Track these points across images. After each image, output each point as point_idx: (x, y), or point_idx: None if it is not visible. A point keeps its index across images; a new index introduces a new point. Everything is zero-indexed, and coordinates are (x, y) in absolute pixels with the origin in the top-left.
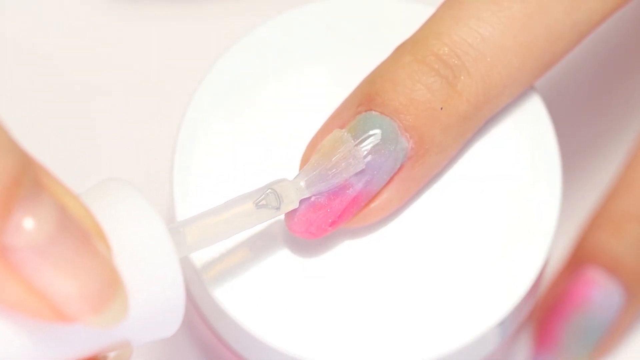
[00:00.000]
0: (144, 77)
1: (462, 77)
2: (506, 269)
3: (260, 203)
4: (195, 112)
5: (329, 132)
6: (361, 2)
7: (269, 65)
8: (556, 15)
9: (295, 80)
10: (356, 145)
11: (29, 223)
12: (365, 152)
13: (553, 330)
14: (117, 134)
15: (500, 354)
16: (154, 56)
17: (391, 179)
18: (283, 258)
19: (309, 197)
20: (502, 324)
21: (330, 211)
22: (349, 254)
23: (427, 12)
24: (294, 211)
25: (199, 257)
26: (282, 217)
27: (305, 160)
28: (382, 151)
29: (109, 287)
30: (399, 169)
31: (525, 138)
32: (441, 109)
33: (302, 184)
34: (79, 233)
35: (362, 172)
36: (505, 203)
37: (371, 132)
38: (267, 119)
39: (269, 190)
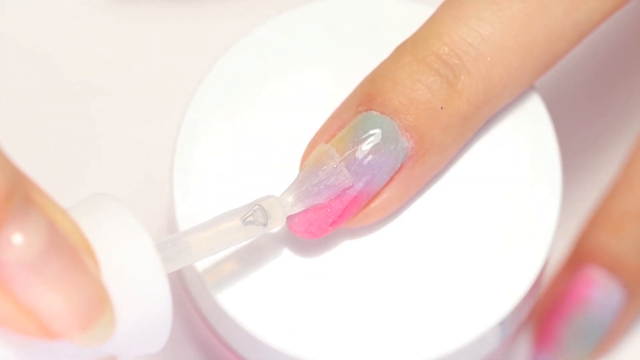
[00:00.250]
0: (144, 77)
1: (462, 77)
2: (506, 269)
3: (248, 219)
4: (195, 112)
5: (329, 132)
6: (361, 2)
7: (269, 65)
8: (556, 15)
9: (295, 80)
10: (354, 147)
11: (18, 239)
12: (353, 163)
13: (553, 330)
14: (117, 134)
15: (500, 354)
16: (154, 56)
17: (391, 178)
18: (283, 258)
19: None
20: (502, 324)
21: (331, 211)
22: (349, 254)
23: (427, 12)
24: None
25: None
26: None
27: (305, 161)
28: (382, 151)
29: (97, 305)
30: (399, 168)
31: (525, 138)
32: (441, 108)
33: (289, 200)
34: (68, 250)
35: (362, 171)
36: (505, 203)
37: (371, 132)
38: (267, 119)
39: (256, 206)
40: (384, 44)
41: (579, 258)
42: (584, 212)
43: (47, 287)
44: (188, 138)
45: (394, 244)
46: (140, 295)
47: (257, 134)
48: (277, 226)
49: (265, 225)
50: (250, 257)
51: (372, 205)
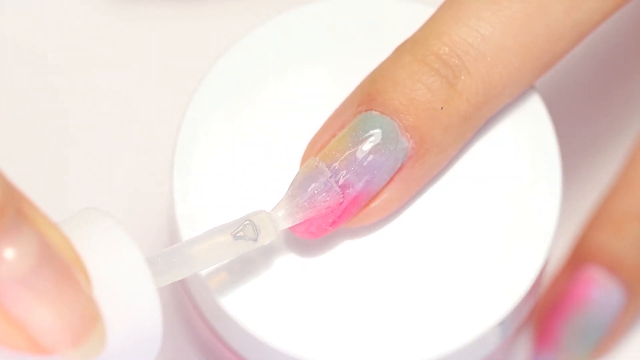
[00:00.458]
0: (144, 77)
1: (462, 77)
2: (506, 269)
3: (238, 235)
4: (195, 112)
5: (329, 131)
6: (361, 2)
7: (269, 65)
8: (556, 15)
9: (295, 80)
10: (354, 147)
11: (10, 254)
12: (353, 163)
13: (553, 329)
14: (117, 133)
15: (500, 354)
16: (154, 56)
17: (391, 178)
18: (283, 258)
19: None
20: (502, 324)
21: (331, 211)
22: (349, 254)
23: (427, 12)
24: None
25: None
26: None
27: (305, 161)
28: (382, 151)
29: (88, 320)
30: (400, 168)
31: (525, 138)
32: (441, 108)
33: (280, 215)
34: (60, 265)
35: (362, 171)
36: (505, 203)
37: (371, 132)
38: (267, 119)
39: (247, 221)
40: (384, 44)
41: (579, 258)
42: (584, 212)
43: (38, 302)
44: (188, 138)
45: (394, 244)
46: (131, 310)
47: (257, 134)
48: (267, 241)
49: (255, 240)
50: (250, 258)
51: (372, 205)
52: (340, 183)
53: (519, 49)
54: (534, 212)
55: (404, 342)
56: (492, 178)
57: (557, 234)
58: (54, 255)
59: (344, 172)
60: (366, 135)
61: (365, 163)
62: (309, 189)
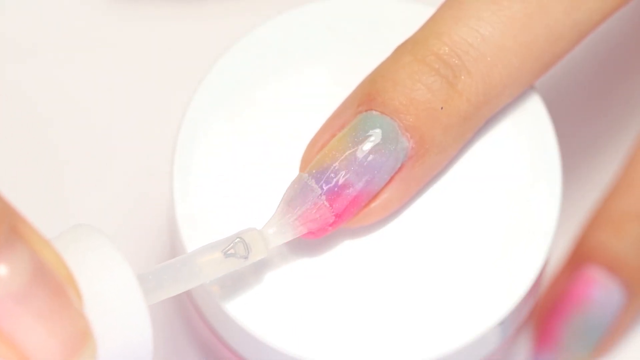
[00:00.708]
0: (144, 77)
1: (462, 77)
2: (506, 269)
3: (229, 252)
4: (195, 112)
5: (329, 131)
6: (361, 2)
7: (269, 65)
8: (556, 15)
9: (295, 80)
10: (354, 147)
11: (3, 271)
12: (353, 163)
13: (553, 329)
14: (117, 133)
15: (500, 354)
16: (154, 56)
17: (391, 178)
18: (283, 258)
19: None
20: (502, 324)
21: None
22: (349, 254)
23: (427, 12)
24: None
25: None
26: None
27: (305, 161)
28: (382, 151)
29: (79, 339)
30: (400, 168)
31: (525, 138)
32: (441, 108)
33: (271, 232)
34: (53, 283)
35: (362, 171)
36: (505, 203)
37: (371, 132)
38: (267, 119)
39: (237, 239)
40: (384, 44)
41: (579, 258)
42: (584, 212)
43: (31, 320)
44: (188, 138)
45: (394, 244)
46: (122, 327)
47: (257, 134)
48: (258, 259)
49: (246, 258)
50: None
51: (372, 205)
52: (340, 183)
53: (519, 49)
54: (534, 212)
55: (404, 342)
56: (492, 178)
57: (557, 234)
58: (46, 273)
59: (344, 172)
60: (366, 135)
61: (365, 163)
62: (299, 207)
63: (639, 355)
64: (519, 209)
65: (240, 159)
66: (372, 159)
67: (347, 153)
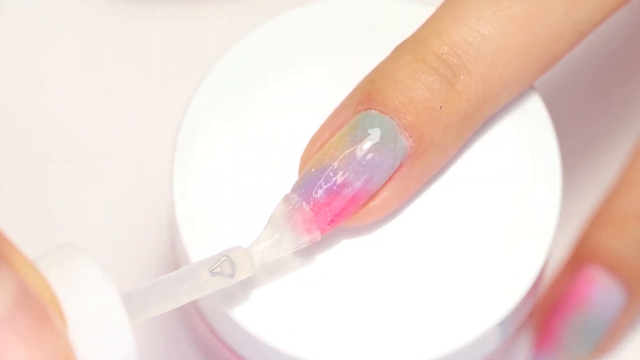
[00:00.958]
0: (144, 77)
1: (461, 77)
2: (506, 269)
3: (215, 270)
4: (195, 112)
5: (328, 130)
6: (361, 2)
7: (269, 65)
8: (556, 15)
9: (295, 80)
10: (353, 146)
11: None
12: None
13: (553, 329)
14: (117, 133)
15: (500, 354)
16: (154, 56)
17: (390, 177)
18: (282, 257)
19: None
20: (502, 324)
21: (329, 209)
22: (348, 253)
23: (427, 12)
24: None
25: (199, 258)
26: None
27: (304, 160)
28: (381, 150)
29: None
30: (399, 167)
31: (525, 138)
32: (441, 108)
33: (258, 250)
34: (36, 306)
35: (361, 170)
36: (505, 203)
37: (370, 131)
38: (267, 119)
39: (224, 257)
40: (384, 44)
41: (579, 258)
42: (584, 212)
43: (14, 342)
44: (188, 138)
45: (394, 243)
46: (106, 349)
47: (257, 134)
48: (244, 277)
49: (232, 276)
50: None
51: (371, 204)
52: (339, 182)
53: (519, 48)
54: (534, 212)
55: (404, 342)
56: (492, 178)
57: (557, 234)
58: (30, 296)
59: (343, 170)
60: (365, 134)
61: (364, 162)
62: (286, 231)
63: (639, 355)
64: (519, 209)
65: (240, 159)
66: (371, 158)
67: (346, 152)
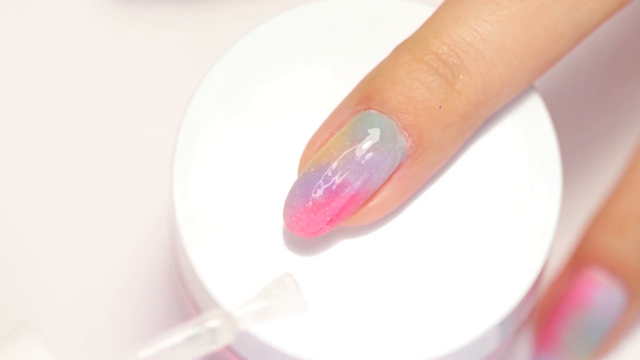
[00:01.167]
0: (144, 78)
1: (461, 76)
2: (506, 269)
3: (194, 338)
4: (195, 112)
5: (328, 130)
6: (361, 2)
7: (269, 65)
8: (556, 15)
9: (295, 80)
10: (352, 145)
11: None
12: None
13: (554, 330)
14: (117, 134)
15: (500, 354)
16: (154, 57)
17: (390, 177)
18: (281, 257)
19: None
20: (502, 324)
21: (329, 209)
22: (347, 253)
23: (427, 12)
24: (292, 209)
25: (199, 258)
26: (281, 216)
27: (303, 159)
28: (380, 149)
29: None
30: (398, 167)
31: (525, 137)
32: (440, 107)
33: (237, 317)
34: None
35: (360, 170)
36: (505, 203)
37: (369, 131)
38: (267, 119)
39: (204, 324)
40: (384, 44)
41: (580, 259)
42: (584, 212)
43: None
44: (188, 138)
45: (393, 243)
46: None
47: (257, 133)
48: (225, 343)
49: (212, 344)
50: (249, 256)
51: (370, 204)
52: (338, 182)
53: (519, 48)
54: (534, 211)
55: (404, 342)
56: (491, 177)
57: (557, 234)
58: None
59: (342, 170)
60: (364, 134)
61: (363, 161)
62: (272, 300)
63: (639, 356)
64: (519, 209)
65: (241, 159)
66: (370, 158)
67: (345, 152)
